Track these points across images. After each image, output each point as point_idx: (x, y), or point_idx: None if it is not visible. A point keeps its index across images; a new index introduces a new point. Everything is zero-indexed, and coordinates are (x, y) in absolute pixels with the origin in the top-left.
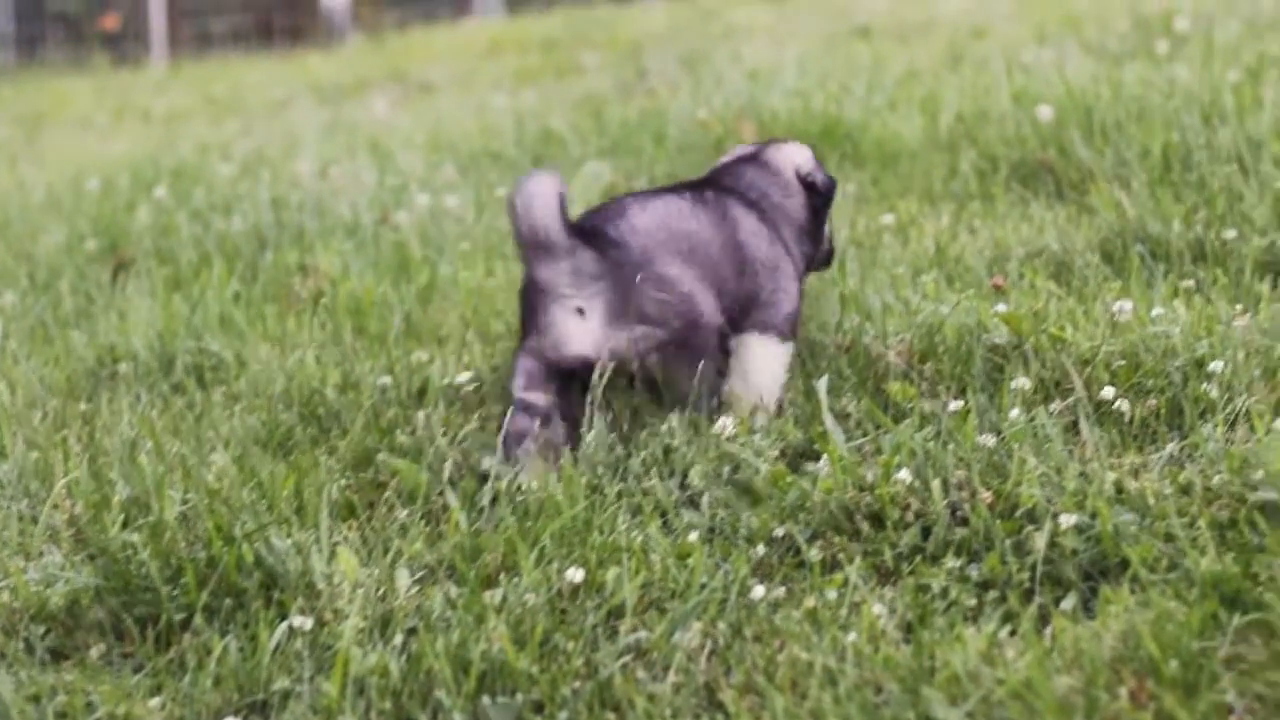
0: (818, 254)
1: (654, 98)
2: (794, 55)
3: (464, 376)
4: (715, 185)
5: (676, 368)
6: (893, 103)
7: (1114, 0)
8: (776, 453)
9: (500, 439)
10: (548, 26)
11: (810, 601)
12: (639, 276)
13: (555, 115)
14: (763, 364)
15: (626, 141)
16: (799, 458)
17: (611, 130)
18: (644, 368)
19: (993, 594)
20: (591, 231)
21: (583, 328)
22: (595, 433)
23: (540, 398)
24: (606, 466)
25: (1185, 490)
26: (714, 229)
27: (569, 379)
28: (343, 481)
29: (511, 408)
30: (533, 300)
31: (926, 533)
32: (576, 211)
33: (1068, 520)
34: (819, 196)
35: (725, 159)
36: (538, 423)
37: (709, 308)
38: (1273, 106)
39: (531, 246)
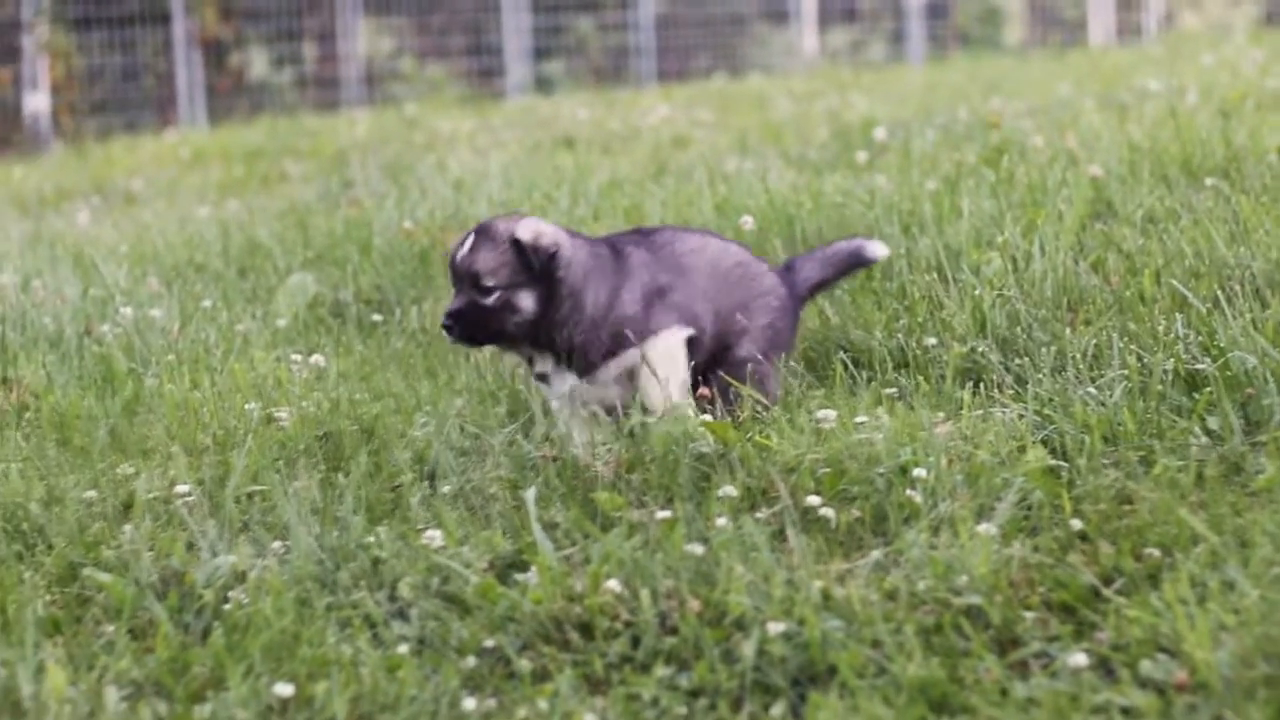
0: None
1: (359, 207)
2: (498, 165)
3: (182, 488)
4: None
5: None
6: (597, 213)
7: (813, 111)
8: (485, 564)
9: None
10: (251, 136)
11: (522, 712)
12: None
13: (260, 226)
14: None
15: (332, 252)
16: (508, 568)
17: (317, 241)
18: None
19: (703, 702)
20: None
21: None
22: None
23: None
24: (314, 579)
25: (891, 596)
26: None
27: None
28: (48, 597)
29: None
30: None
31: (636, 642)
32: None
33: (775, 628)
34: None
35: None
36: None
37: None
38: (970, 215)
39: None
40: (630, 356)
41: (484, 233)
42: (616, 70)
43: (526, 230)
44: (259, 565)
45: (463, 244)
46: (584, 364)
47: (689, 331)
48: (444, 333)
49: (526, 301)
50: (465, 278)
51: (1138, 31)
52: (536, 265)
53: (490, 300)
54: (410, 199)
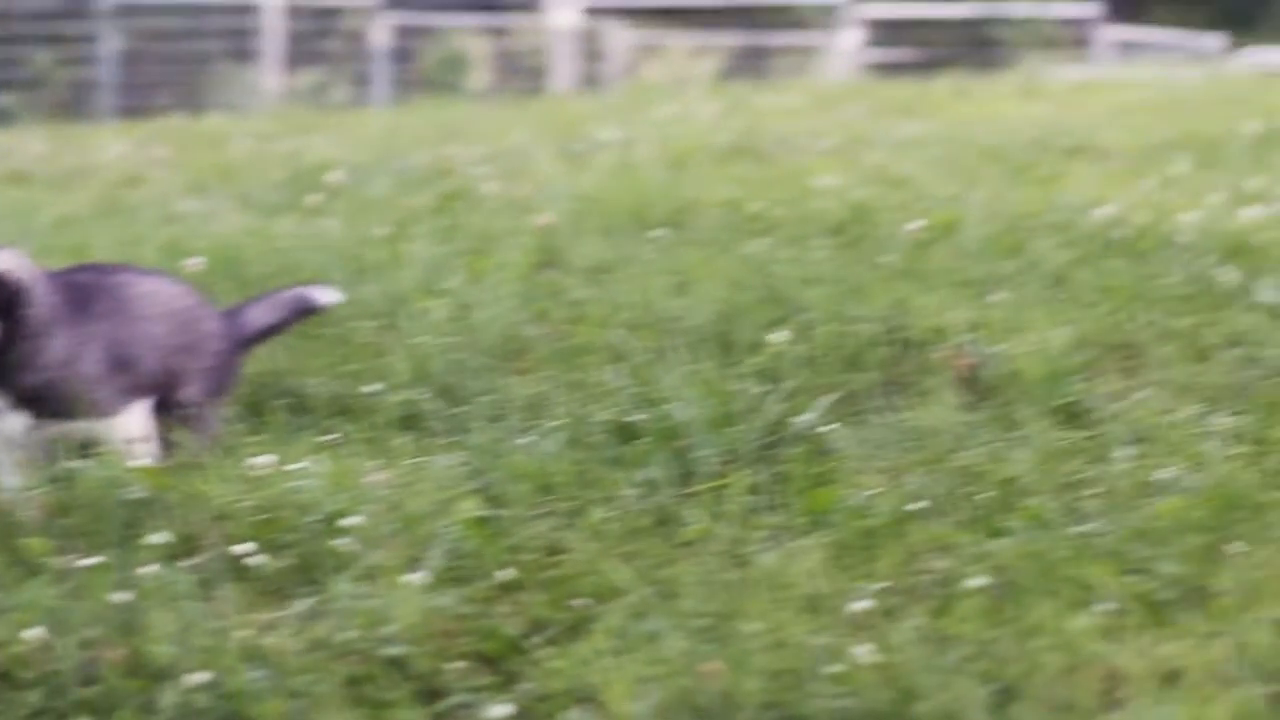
0: None
1: None
2: None
3: None
4: None
5: None
6: (42, 250)
7: (272, 152)
8: None
9: None
10: None
11: None
12: None
13: None
14: None
15: None
16: None
17: None
18: None
19: None
20: None
21: None
22: None
23: None
24: None
25: (318, 646)
26: None
27: None
28: None
29: None
30: None
31: (56, 692)
32: None
33: (198, 678)
34: None
35: None
36: None
37: None
38: (418, 262)
39: None
40: (89, 426)
41: None
42: (78, 105)
43: None
44: None
45: None
46: (37, 411)
47: (149, 401)
48: None
49: None
50: None
51: (600, 81)
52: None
53: None
54: None
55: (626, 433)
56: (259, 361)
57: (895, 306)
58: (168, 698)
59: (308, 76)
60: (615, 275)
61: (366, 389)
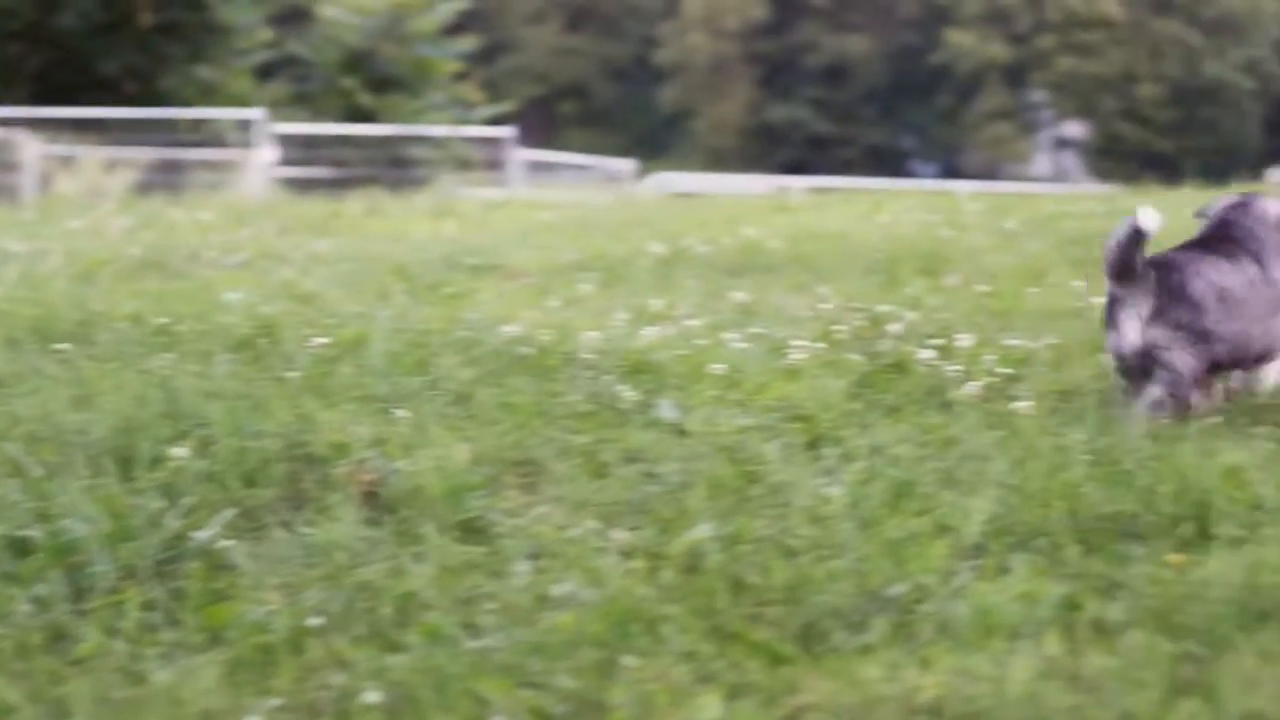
0: None
1: None
2: None
3: None
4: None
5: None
6: None
7: None
8: None
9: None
10: None
11: None
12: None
13: None
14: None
15: None
16: None
17: None
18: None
19: None
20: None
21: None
22: None
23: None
24: None
25: None
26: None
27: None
28: None
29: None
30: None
31: None
32: None
33: None
34: None
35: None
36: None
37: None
38: None
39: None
40: None
41: None
42: None
43: None
44: None
45: None
46: None
47: None
48: None
49: None
50: None
51: (12, 193)
52: None
53: None
54: None
55: (21, 548)
56: None
57: (298, 422)
58: None
59: None
60: (15, 389)
61: None
